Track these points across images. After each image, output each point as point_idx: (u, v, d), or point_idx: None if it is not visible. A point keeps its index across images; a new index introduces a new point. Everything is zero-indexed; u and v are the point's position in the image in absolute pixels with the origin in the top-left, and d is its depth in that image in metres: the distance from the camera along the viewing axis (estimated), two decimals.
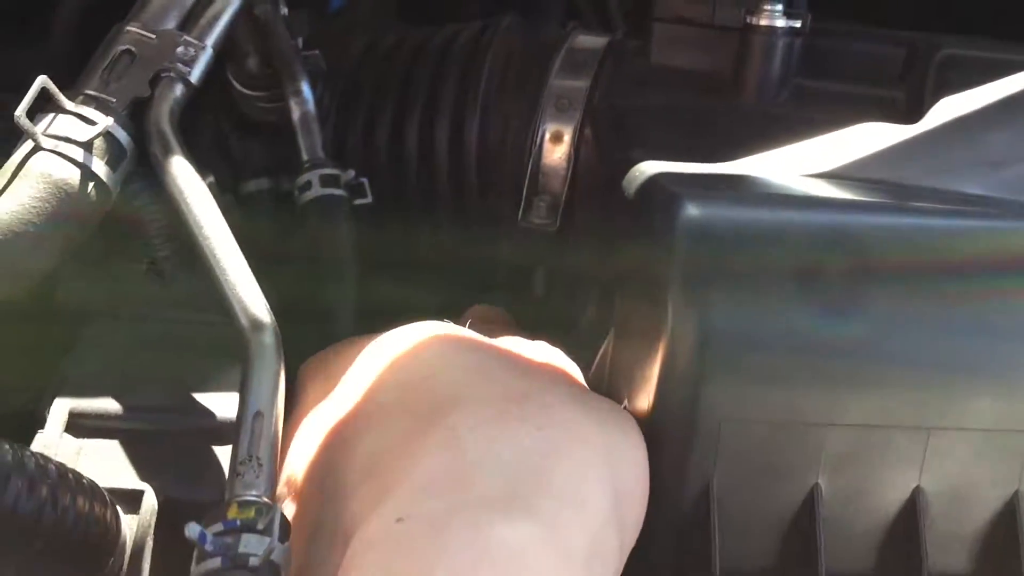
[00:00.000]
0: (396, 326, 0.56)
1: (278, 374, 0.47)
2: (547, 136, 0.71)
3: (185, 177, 0.54)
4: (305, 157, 0.69)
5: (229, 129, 0.74)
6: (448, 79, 0.75)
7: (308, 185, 0.67)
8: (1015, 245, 0.52)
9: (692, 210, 0.50)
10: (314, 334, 0.60)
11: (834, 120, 0.63)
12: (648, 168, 0.55)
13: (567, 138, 0.71)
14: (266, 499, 0.44)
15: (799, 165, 0.58)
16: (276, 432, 0.46)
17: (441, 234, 0.75)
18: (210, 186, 0.57)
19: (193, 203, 0.54)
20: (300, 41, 0.72)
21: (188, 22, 0.60)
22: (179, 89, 0.58)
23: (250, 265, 0.53)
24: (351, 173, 0.68)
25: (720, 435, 0.50)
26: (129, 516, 0.47)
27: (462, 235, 0.75)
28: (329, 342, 0.58)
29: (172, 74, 0.57)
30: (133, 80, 0.56)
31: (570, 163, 0.70)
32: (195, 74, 0.58)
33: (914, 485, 0.52)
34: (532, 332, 0.61)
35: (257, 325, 0.49)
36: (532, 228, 0.70)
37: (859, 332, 0.49)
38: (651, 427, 0.51)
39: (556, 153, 0.71)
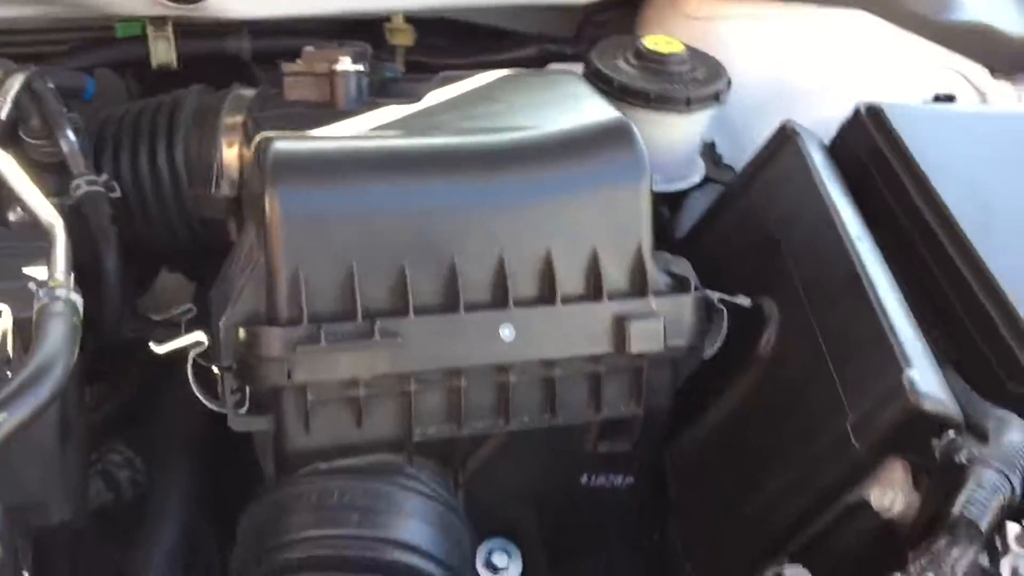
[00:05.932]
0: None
1: None
2: (224, 145, 1.21)
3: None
4: (74, 172, 1.16)
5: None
6: (160, 124, 1.24)
7: (78, 187, 1.14)
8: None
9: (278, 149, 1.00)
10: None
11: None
12: (267, 135, 1.06)
13: (237, 145, 1.21)
14: None
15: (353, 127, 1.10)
16: None
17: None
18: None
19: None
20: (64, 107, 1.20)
21: None
22: None
23: None
24: (104, 176, 1.16)
25: None
26: None
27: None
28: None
29: None
30: None
31: (238, 161, 1.20)
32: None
33: None
34: None
35: None
36: (221, 197, 1.20)
37: None
38: None
39: (230, 155, 1.21)
